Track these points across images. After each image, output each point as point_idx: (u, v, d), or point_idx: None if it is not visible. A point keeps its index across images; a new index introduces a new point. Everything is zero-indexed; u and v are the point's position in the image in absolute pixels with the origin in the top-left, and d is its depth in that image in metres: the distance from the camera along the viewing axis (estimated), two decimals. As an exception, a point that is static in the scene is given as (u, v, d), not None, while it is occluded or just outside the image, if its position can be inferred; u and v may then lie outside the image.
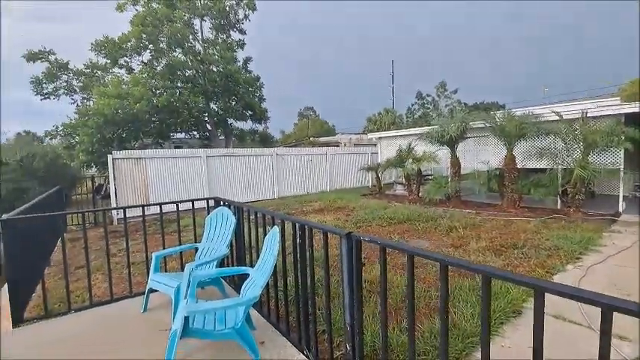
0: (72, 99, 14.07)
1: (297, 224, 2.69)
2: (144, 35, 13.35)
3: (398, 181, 13.80)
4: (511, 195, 8.64)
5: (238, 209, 3.89)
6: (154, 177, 10.60)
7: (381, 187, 13.46)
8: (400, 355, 2.68)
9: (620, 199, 7.64)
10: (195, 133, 17.27)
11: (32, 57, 13.05)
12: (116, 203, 9.82)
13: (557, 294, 1.20)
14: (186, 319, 2.45)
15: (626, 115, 7.46)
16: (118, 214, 9.46)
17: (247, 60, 17.21)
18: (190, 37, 14.73)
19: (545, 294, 1.23)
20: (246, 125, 19.48)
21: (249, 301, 2.67)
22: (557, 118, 7.83)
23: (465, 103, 33.62)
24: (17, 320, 3.52)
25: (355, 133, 21.70)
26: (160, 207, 4.25)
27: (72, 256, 6.42)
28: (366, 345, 2.69)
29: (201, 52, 15.14)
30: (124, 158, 10.13)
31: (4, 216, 3.78)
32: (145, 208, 4.20)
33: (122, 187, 10.08)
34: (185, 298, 3.02)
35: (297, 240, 2.71)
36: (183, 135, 18.79)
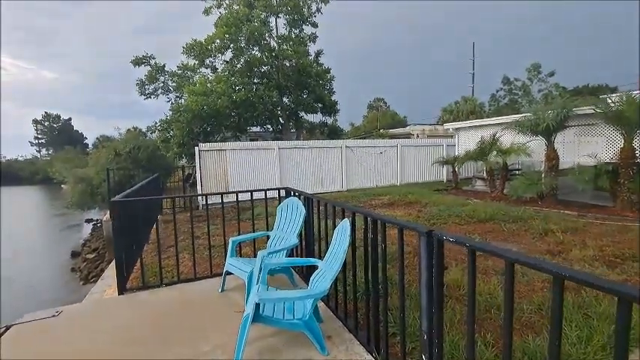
0: (167, 97, 16.02)
1: (368, 218, 2.53)
2: (226, 36, 14.40)
3: (478, 176, 12.55)
4: (628, 195, 7.13)
5: (308, 200, 3.87)
6: (233, 167, 11.42)
7: (457, 181, 12.43)
8: (485, 373, 2.35)
9: None
10: (269, 126, 18.14)
11: (137, 62, 15.16)
12: (201, 190, 10.85)
13: None
14: (257, 305, 2.49)
15: None
16: (202, 200, 10.43)
17: (319, 53, 17.36)
18: (266, 34, 15.39)
19: None
20: (316, 118, 19.80)
21: (318, 294, 2.62)
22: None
23: (564, 87, 28.95)
24: (122, 289, 4.06)
25: (429, 124, 20.40)
26: (237, 195, 4.48)
27: (165, 236, 7.25)
28: (443, 356, 2.42)
29: (276, 48, 15.73)
30: (208, 150, 11.11)
31: (113, 199, 4.39)
32: (224, 196, 4.49)
33: (206, 176, 11.09)
34: (257, 283, 3.12)
35: (369, 235, 2.54)
36: (258, 128, 19.91)
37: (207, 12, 15.65)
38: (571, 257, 4.51)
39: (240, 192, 4.51)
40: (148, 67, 15.45)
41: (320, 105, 17.58)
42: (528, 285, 3.73)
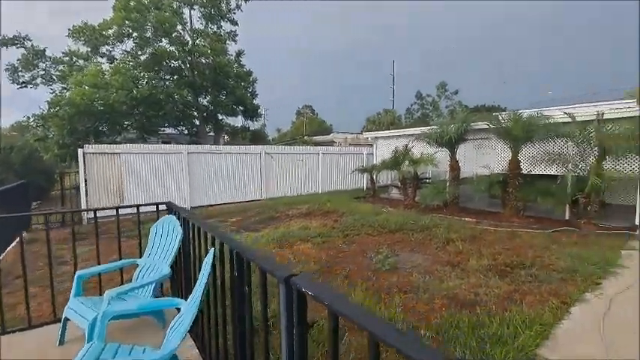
0: (51, 89, 13.26)
1: (234, 252, 1.94)
2: (127, 22, 12.53)
3: (394, 184, 13.05)
4: (514, 203, 7.91)
5: (184, 220, 3.13)
6: (130, 174, 9.81)
7: (375, 190, 12.72)
8: None
9: (638, 210, 6.89)
10: (183, 128, 16.48)
11: (5, 42, 12.25)
12: (86, 203, 9.02)
13: None
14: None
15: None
16: (88, 214, 8.66)
17: (240, 53, 16.40)
18: (179, 26, 13.91)
19: None
20: (239, 122, 18.76)
21: (166, 356, 1.93)
22: (569, 120, 7.10)
23: (466, 106, 32.87)
24: None
25: (351, 133, 20.96)
26: (95, 213, 3.50)
27: (28, 261, 5.64)
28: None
29: (190, 42, 14.33)
30: (96, 153, 9.34)
31: None
32: (87, 213, 3.47)
33: (94, 185, 9.29)
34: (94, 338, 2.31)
35: (235, 273, 1.95)
36: (172, 130, 18.03)
37: (103, -8, 13.52)
38: (468, 268, 4.58)
39: (100, 209, 3.54)
40: (23, 50, 12.61)
41: (241, 108, 16.60)
42: (429, 303, 3.56)
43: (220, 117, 17.50)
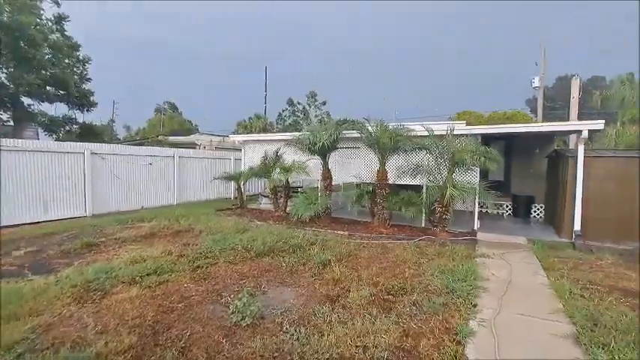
0: None
1: None
2: None
3: (264, 194, 11.91)
4: (382, 213, 7.91)
5: None
6: None
7: (243, 200, 11.26)
8: None
9: (475, 216, 7.81)
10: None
11: None
12: None
13: None
14: None
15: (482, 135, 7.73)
16: None
17: (61, 18, 12.05)
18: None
19: None
20: (61, 111, 14.01)
21: None
22: (426, 133, 7.49)
23: (333, 117, 35.08)
24: None
25: (218, 135, 18.74)
26: None
27: None
28: None
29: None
30: None
31: None
32: None
33: None
34: None
35: None
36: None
37: None
38: (350, 303, 3.74)
39: None
40: None
41: (61, 92, 12.30)
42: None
43: (31, 102, 12.62)
